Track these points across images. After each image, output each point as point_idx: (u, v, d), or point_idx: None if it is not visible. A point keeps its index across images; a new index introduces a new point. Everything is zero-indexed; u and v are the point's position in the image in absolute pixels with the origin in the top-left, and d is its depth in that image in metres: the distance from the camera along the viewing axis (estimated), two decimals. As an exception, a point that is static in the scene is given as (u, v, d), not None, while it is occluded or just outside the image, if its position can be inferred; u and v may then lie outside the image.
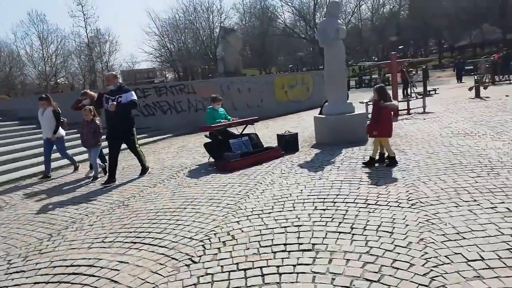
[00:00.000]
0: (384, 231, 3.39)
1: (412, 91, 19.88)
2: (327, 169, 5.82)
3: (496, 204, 3.72)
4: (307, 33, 43.37)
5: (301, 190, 4.88)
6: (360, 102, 11.17)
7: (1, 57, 51.73)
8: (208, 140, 7.49)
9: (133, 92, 6.67)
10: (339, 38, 7.74)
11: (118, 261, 3.34)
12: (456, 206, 3.78)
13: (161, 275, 3.01)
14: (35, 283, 3.14)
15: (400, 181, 4.81)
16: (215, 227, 3.90)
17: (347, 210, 3.98)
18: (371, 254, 2.97)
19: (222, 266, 3.04)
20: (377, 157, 5.84)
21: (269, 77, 19.24)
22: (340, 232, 3.44)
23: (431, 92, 18.31)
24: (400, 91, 19.27)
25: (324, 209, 4.07)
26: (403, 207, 3.90)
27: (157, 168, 7.42)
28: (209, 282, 2.82)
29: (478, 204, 3.76)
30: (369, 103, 11.20)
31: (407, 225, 3.47)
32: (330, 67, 8.03)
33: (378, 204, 4.07)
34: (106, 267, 3.25)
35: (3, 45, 52.46)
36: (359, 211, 3.91)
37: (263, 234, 3.57)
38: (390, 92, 6.50)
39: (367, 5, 45.07)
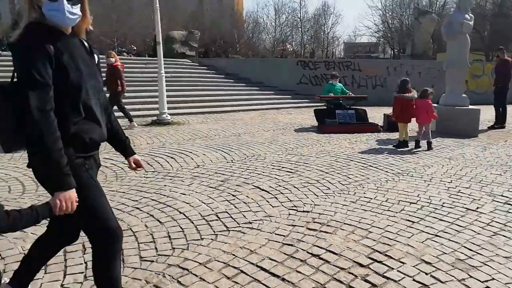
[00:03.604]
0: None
1: None
2: (381, 149, 6.98)
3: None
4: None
5: (336, 150, 6.45)
6: None
7: (249, 24, 62.72)
8: (323, 108, 9.38)
9: None
10: (463, 33, 7.98)
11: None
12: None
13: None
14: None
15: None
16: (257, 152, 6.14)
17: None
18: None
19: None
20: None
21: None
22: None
23: None
24: None
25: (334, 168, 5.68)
26: (386, 172, 5.13)
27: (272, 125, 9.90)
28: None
29: None
30: None
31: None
32: (450, 59, 8.37)
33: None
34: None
35: (249, 14, 63.43)
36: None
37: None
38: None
39: None
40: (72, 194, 1.61)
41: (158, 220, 3.36)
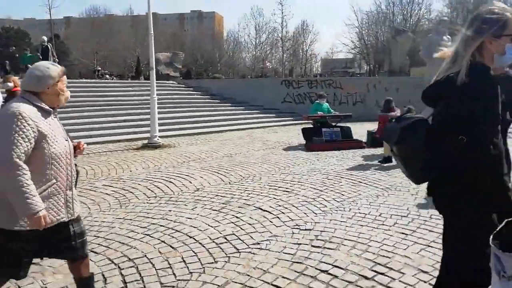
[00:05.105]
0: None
1: None
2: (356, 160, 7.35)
3: None
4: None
5: (309, 168, 6.76)
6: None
7: (230, 43, 63.29)
8: (309, 126, 9.76)
9: None
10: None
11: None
12: None
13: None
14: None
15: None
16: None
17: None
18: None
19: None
20: None
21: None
22: (315, 189, 5.41)
23: None
24: None
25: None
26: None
27: (270, 143, 10.19)
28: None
29: None
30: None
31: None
32: (429, 79, 8.93)
33: (366, 184, 5.69)
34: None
35: (231, 34, 64.22)
36: (347, 184, 5.67)
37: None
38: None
39: None
40: None
41: (171, 246, 3.53)
